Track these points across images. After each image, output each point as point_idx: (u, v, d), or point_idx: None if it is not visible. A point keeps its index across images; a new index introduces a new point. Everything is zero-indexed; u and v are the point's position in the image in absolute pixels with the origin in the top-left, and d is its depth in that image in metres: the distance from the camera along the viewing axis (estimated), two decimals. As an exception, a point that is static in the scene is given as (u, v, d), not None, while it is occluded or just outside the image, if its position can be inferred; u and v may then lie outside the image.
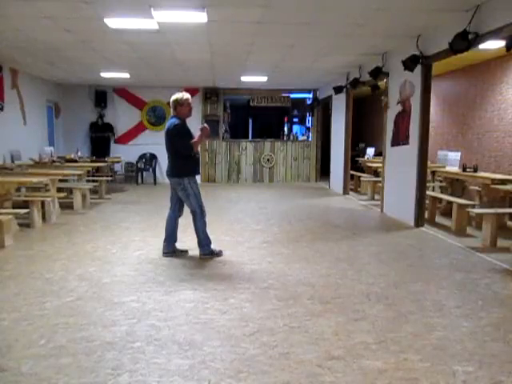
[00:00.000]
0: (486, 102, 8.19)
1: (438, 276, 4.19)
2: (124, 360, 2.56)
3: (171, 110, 4.70)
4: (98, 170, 10.19)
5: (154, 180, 11.93)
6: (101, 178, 9.23)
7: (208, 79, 10.86)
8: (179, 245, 4.90)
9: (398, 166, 7.03)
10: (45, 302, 3.43)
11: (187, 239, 5.16)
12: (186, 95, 4.66)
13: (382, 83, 7.86)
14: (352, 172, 10.47)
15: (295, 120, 14.17)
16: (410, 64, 6.05)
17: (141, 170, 12.08)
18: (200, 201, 4.68)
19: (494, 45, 5.34)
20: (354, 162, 10.73)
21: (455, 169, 7.31)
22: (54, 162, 9.03)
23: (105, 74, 9.96)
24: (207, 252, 4.74)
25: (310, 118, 12.96)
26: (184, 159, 4.60)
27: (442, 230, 6.15)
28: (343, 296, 3.62)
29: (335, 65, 8.67)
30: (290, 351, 2.68)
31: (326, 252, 5.01)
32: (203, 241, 4.74)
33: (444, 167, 7.63)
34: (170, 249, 4.80)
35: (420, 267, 4.48)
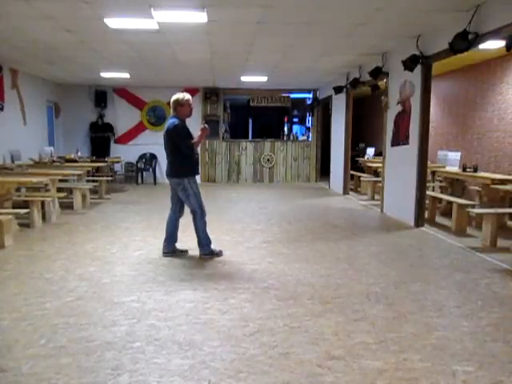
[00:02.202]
0: (486, 102, 8.19)
1: (438, 276, 4.19)
2: (124, 360, 2.56)
3: (171, 110, 4.70)
4: (97, 169, 10.19)
5: (154, 180, 11.93)
6: (101, 178, 9.22)
7: (208, 79, 10.86)
8: (179, 245, 4.89)
9: (398, 166, 7.03)
10: (45, 302, 3.43)
11: (187, 239, 5.15)
12: (187, 96, 4.66)
13: (382, 83, 7.86)
14: (352, 172, 10.47)
15: (295, 120, 14.18)
16: (410, 64, 6.05)
17: (141, 170, 12.08)
18: (200, 201, 4.68)
19: (494, 45, 5.34)
20: (353, 162, 10.73)
21: (455, 169, 7.30)
22: (53, 161, 9.03)
23: (105, 74, 9.96)
24: (207, 252, 4.74)
25: (310, 118, 12.95)
26: (183, 159, 4.60)
27: (442, 230, 6.15)
28: (343, 296, 3.62)
29: (335, 65, 8.67)
30: (289, 351, 2.68)
31: (325, 252, 5.01)
32: (203, 241, 4.74)
33: (444, 167, 7.63)
34: (170, 249, 4.80)
35: (420, 267, 4.48)
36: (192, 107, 4.70)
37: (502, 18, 4.36)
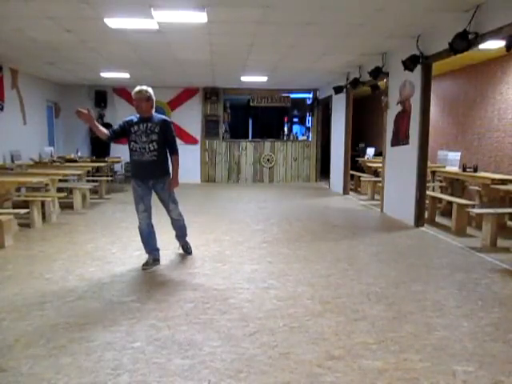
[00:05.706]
0: (486, 102, 8.19)
1: (438, 276, 4.19)
2: (124, 360, 2.55)
3: None
4: (97, 169, 10.19)
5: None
6: (101, 178, 9.23)
7: (208, 79, 10.85)
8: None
9: (398, 166, 7.03)
10: (45, 302, 3.43)
11: (189, 239, 5.14)
12: (136, 89, 4.33)
13: (382, 83, 7.86)
14: (352, 172, 10.47)
15: (295, 120, 14.17)
16: (409, 64, 6.05)
17: (141, 170, 12.05)
18: (136, 207, 4.41)
19: (494, 45, 5.35)
20: (354, 162, 10.73)
21: (455, 169, 7.30)
22: (54, 162, 9.04)
23: (105, 74, 9.96)
24: (144, 263, 4.38)
25: (310, 118, 12.96)
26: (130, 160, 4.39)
27: (442, 230, 6.15)
28: (343, 296, 3.62)
29: (335, 65, 8.66)
30: (290, 351, 2.68)
31: (326, 252, 5.01)
32: None
33: (444, 167, 7.63)
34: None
35: (420, 267, 4.48)
36: (136, 102, 4.37)
37: (502, 18, 4.37)
